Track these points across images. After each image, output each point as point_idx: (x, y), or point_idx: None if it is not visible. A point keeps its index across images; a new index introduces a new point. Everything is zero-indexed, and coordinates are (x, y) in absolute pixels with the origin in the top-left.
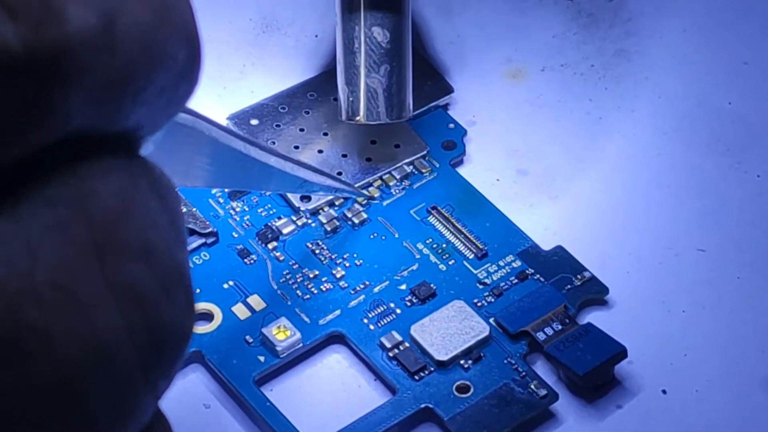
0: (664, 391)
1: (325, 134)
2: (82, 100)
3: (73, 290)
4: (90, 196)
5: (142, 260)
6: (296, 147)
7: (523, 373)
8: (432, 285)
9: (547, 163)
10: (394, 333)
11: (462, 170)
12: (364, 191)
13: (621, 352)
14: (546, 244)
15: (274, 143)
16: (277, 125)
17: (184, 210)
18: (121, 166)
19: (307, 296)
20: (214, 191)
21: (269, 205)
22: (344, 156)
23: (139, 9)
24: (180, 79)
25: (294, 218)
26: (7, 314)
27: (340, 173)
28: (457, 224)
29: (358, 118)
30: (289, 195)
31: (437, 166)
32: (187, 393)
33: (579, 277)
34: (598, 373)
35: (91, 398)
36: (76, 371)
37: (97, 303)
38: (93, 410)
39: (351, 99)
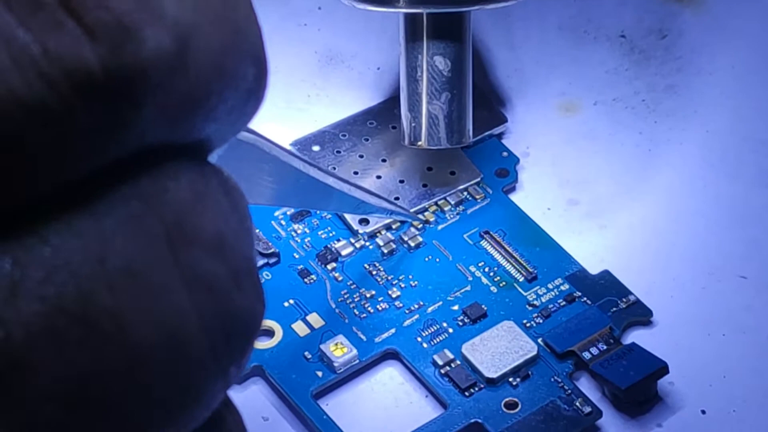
0: (703, 411)
1: (384, 161)
2: (155, 117)
3: (144, 277)
4: (162, 191)
5: (214, 251)
6: (356, 173)
7: (569, 391)
8: (483, 306)
9: (597, 193)
10: (447, 351)
11: (514, 197)
12: (420, 215)
13: (662, 368)
14: (593, 269)
15: (335, 168)
16: (338, 151)
17: None
18: (192, 168)
19: (364, 315)
20: (276, 213)
21: (329, 228)
22: (401, 182)
23: (213, 32)
24: (248, 97)
25: (352, 240)
26: (80, 296)
27: (397, 198)
28: (508, 248)
29: (420, 143)
30: (348, 218)
31: (490, 192)
32: (248, 405)
33: (624, 300)
34: (640, 387)
35: (161, 382)
36: (147, 355)
37: (168, 290)
38: (163, 394)
39: (413, 125)
